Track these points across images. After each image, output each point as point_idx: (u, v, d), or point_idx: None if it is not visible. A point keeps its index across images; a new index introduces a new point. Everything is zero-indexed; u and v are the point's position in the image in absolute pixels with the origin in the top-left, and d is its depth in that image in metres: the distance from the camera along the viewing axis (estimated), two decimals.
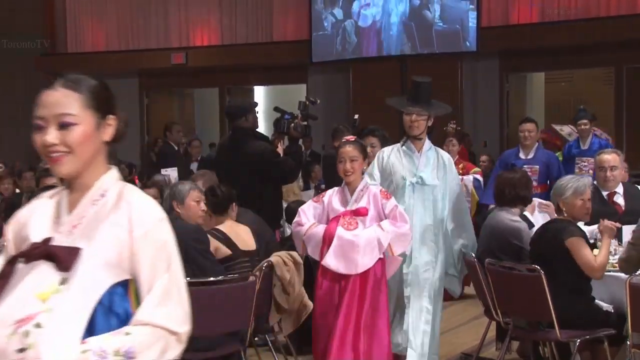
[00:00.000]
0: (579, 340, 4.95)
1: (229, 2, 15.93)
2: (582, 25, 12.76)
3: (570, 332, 4.96)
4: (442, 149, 7.18)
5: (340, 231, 4.91)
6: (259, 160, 6.45)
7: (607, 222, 5.10)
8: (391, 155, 5.52)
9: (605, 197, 6.20)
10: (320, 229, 4.98)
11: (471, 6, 13.32)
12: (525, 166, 7.75)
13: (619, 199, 6.22)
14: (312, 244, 5.01)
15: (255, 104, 7.08)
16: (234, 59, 15.56)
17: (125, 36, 16.70)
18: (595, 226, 5.52)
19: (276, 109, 6.88)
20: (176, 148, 10.31)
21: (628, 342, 4.69)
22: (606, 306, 5.13)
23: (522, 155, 8.06)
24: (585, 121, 9.30)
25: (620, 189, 6.27)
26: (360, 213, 4.98)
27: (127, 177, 11.15)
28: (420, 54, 13.63)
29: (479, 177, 9.06)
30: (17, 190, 9.24)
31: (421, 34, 13.69)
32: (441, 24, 13.58)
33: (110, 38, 16.79)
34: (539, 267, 4.91)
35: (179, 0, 16.25)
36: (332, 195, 5.13)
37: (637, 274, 4.60)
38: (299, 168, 6.99)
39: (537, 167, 7.89)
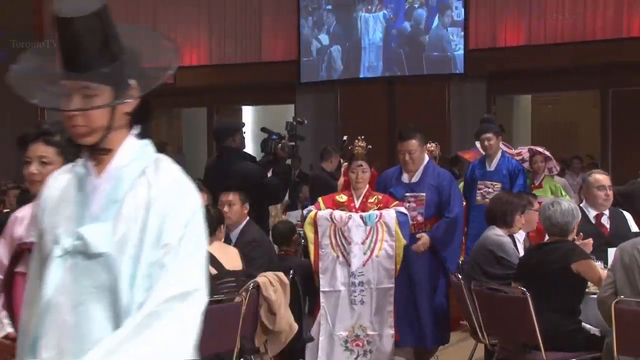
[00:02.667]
0: None
1: (218, 22, 15.94)
2: (569, 49, 12.83)
3: (556, 354, 4.97)
4: (350, 176, 6.11)
5: None
6: (243, 180, 6.46)
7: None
8: (55, 186, 2.33)
9: (593, 218, 6.19)
10: None
11: (460, 31, 13.39)
12: (408, 195, 6.14)
13: (606, 221, 6.19)
14: None
15: (243, 125, 7.13)
16: (223, 79, 15.56)
17: None
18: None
19: (263, 129, 6.89)
20: None
21: None
22: (593, 329, 5.15)
23: (404, 179, 6.22)
24: (489, 135, 7.22)
25: (607, 211, 6.27)
26: None
27: None
28: (408, 76, 13.69)
29: (403, 209, 5.99)
30: (6, 210, 9.16)
31: (410, 56, 13.74)
32: (429, 48, 13.63)
33: None
34: (525, 289, 4.92)
35: (167, 20, 16.24)
36: None
37: (622, 297, 4.61)
38: (285, 189, 7.00)
39: (424, 194, 6.12)
